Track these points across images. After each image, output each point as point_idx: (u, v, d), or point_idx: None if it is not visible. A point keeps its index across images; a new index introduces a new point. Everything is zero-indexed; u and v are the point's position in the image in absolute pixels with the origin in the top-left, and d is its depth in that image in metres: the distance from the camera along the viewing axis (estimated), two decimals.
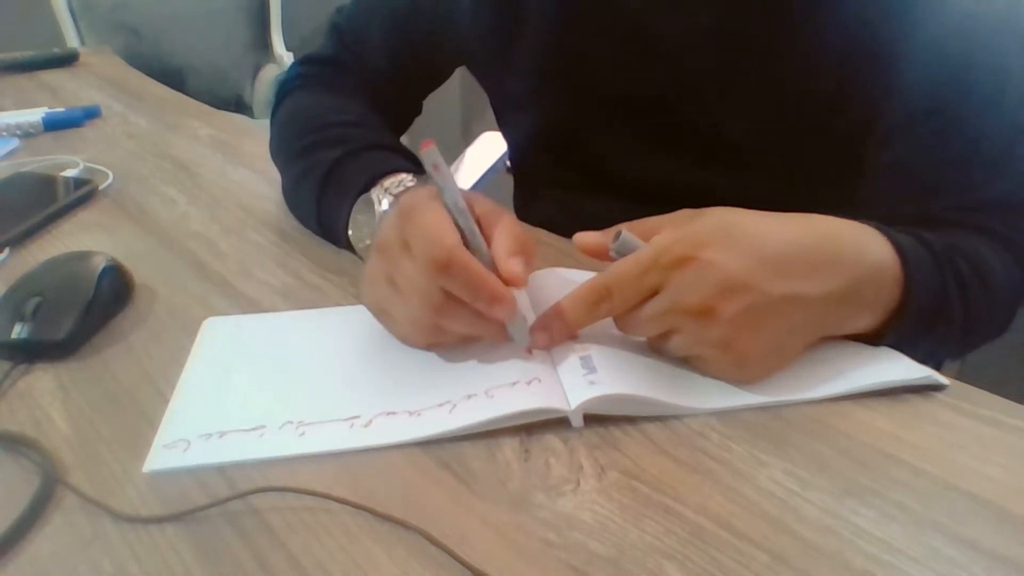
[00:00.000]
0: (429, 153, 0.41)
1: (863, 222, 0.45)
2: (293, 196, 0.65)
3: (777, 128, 0.57)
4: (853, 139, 0.55)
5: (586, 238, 0.46)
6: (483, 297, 0.41)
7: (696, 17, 0.55)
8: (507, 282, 0.41)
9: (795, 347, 0.43)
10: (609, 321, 0.44)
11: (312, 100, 0.71)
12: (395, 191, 0.53)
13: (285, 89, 0.73)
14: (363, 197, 0.55)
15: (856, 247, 0.43)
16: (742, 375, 0.43)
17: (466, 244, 0.42)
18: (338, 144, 0.60)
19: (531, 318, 0.44)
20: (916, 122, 0.52)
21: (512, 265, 0.42)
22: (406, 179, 0.54)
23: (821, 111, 0.55)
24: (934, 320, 0.46)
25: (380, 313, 0.46)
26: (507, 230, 0.44)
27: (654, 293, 0.41)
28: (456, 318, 0.42)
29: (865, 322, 0.44)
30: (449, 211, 0.42)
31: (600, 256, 0.45)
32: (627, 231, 0.43)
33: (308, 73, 0.74)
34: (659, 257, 0.41)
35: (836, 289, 0.41)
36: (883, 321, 0.45)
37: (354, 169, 0.57)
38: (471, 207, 0.44)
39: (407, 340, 0.46)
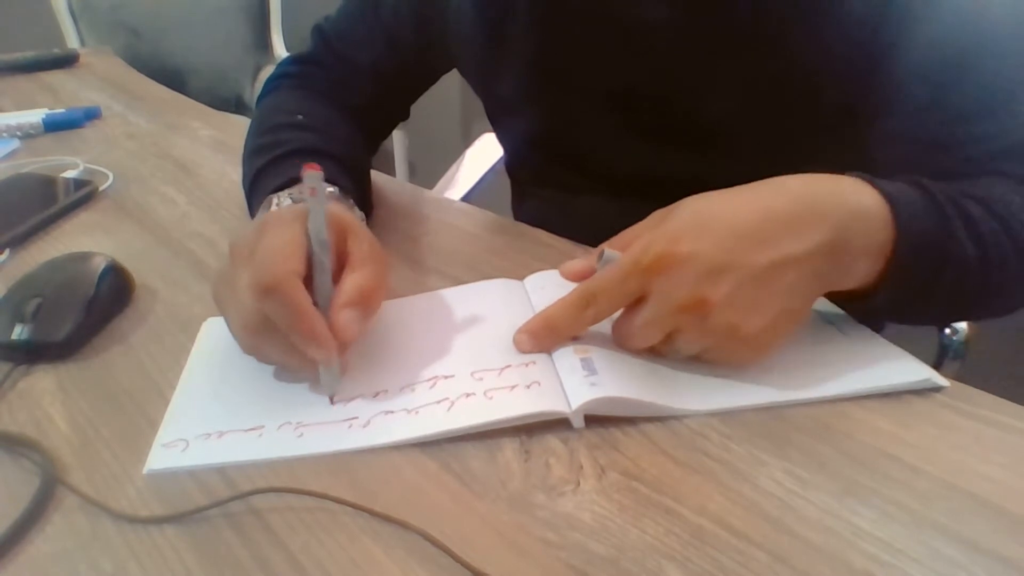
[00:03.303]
0: (310, 177, 0.41)
1: (846, 173, 0.44)
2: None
3: (766, 113, 0.57)
4: (841, 118, 0.55)
5: (572, 266, 0.47)
6: (298, 333, 0.40)
7: (678, 5, 0.55)
8: (334, 331, 0.40)
9: (800, 309, 0.43)
10: (609, 323, 0.44)
11: (278, 101, 0.71)
12: (295, 196, 0.53)
13: (264, 91, 0.74)
14: (266, 200, 0.54)
15: (834, 195, 0.42)
16: (757, 353, 0.42)
17: (311, 276, 0.41)
18: (272, 148, 0.60)
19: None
20: (912, 88, 0.51)
21: (341, 317, 0.41)
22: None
23: (807, 92, 0.55)
24: (940, 261, 0.44)
25: (219, 309, 0.45)
26: (357, 279, 0.43)
27: (640, 298, 0.41)
28: (271, 344, 0.41)
29: (864, 269, 0.43)
30: (310, 239, 0.42)
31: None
32: (608, 249, 0.44)
33: (286, 74, 0.74)
34: (638, 259, 0.41)
35: (822, 241, 0.41)
36: (883, 267, 0.43)
37: (276, 173, 0.57)
38: (343, 240, 0.43)
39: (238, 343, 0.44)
